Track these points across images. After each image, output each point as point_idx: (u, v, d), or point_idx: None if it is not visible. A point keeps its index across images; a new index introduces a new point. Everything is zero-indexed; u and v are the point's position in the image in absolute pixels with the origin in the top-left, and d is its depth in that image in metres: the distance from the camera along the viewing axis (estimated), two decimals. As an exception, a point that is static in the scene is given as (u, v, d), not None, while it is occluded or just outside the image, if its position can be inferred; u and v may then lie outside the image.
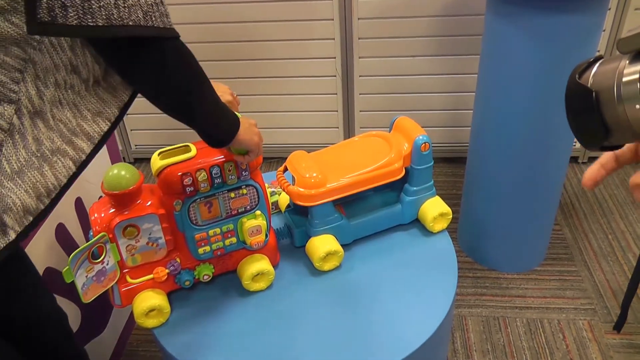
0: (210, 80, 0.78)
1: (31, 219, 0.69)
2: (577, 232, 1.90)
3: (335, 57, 2.07)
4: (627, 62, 0.52)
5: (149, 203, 0.91)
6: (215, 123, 0.81)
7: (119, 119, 0.79)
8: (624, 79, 0.51)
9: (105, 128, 0.76)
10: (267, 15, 2.01)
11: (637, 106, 0.50)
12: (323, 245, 1.04)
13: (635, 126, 0.51)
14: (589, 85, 0.54)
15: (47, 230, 1.16)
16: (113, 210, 0.90)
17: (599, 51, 2.00)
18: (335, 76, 2.12)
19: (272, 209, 1.20)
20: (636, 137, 0.53)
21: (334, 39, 2.03)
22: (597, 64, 0.56)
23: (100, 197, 0.93)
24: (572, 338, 1.52)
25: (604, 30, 1.95)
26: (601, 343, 1.50)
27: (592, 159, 2.24)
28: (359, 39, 2.02)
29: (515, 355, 1.49)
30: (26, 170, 0.68)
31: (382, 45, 2.04)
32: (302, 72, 2.13)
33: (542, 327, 1.56)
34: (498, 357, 1.48)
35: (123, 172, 0.89)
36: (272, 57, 2.11)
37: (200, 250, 0.95)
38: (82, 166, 0.74)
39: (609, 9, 1.89)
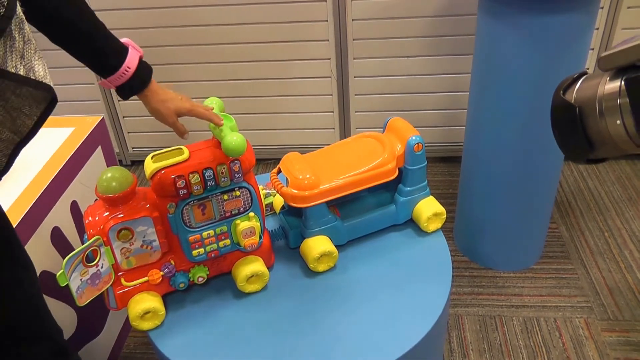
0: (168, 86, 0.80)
1: None
2: (574, 230, 1.90)
3: (330, 58, 2.08)
4: (608, 78, 0.53)
5: (143, 206, 0.91)
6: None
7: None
8: (605, 96, 0.52)
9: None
10: (261, 17, 2.02)
11: (618, 121, 0.52)
12: (317, 246, 1.04)
13: (618, 140, 0.53)
14: (572, 100, 0.56)
15: (42, 233, 1.17)
16: (107, 213, 0.90)
17: (592, 49, 2.00)
18: (330, 77, 2.12)
19: (267, 210, 1.21)
20: (619, 151, 0.55)
21: (328, 40, 2.04)
22: (580, 80, 0.58)
23: (96, 200, 0.94)
24: (568, 336, 1.53)
25: (597, 29, 1.95)
26: (598, 341, 1.51)
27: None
28: (353, 40, 2.03)
29: (512, 354, 1.49)
30: None
31: (376, 46, 2.04)
32: (297, 73, 2.13)
33: (538, 325, 1.56)
34: (495, 356, 1.49)
35: (117, 176, 0.89)
36: (266, 59, 2.12)
37: (195, 253, 0.95)
38: None
39: (602, 8, 1.90)
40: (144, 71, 0.87)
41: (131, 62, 0.85)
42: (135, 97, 0.90)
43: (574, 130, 0.55)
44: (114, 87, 0.87)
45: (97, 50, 0.83)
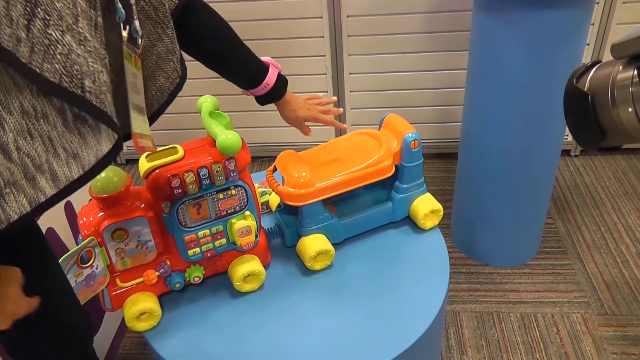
0: None
1: None
2: (570, 225, 1.90)
3: (325, 55, 2.07)
4: (621, 67, 0.53)
5: (138, 206, 0.90)
6: None
7: (94, 170, 0.66)
8: (617, 84, 0.53)
9: (76, 175, 0.64)
10: (256, 13, 2.00)
11: (630, 109, 0.52)
12: (314, 244, 1.03)
13: (630, 128, 0.53)
14: (585, 89, 0.56)
15: (36, 235, 1.15)
16: (101, 213, 0.89)
17: (588, 44, 2.00)
18: (325, 74, 2.12)
19: (263, 208, 1.20)
20: (631, 139, 0.55)
21: (323, 36, 2.03)
22: (593, 69, 0.58)
23: (90, 200, 0.92)
24: (566, 331, 1.53)
25: (592, 24, 1.95)
26: (595, 336, 1.51)
27: (585, 152, 2.24)
28: (348, 36, 2.02)
29: (510, 350, 1.49)
30: None
31: (371, 43, 2.03)
32: (291, 70, 2.12)
33: (536, 321, 1.57)
34: (492, 352, 1.49)
35: (110, 175, 0.88)
36: (261, 55, 2.10)
37: (190, 252, 0.95)
38: (37, 209, 0.61)
39: (597, 3, 1.90)
40: (280, 84, 1.01)
41: (270, 79, 0.99)
42: None
43: (587, 118, 0.55)
44: (254, 96, 1.00)
45: (243, 71, 0.99)
